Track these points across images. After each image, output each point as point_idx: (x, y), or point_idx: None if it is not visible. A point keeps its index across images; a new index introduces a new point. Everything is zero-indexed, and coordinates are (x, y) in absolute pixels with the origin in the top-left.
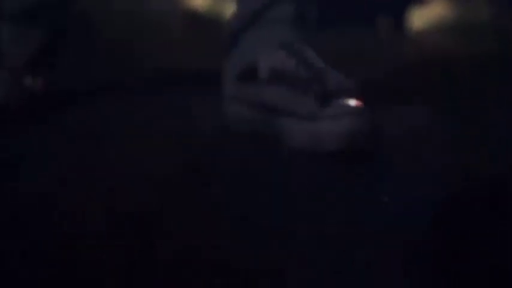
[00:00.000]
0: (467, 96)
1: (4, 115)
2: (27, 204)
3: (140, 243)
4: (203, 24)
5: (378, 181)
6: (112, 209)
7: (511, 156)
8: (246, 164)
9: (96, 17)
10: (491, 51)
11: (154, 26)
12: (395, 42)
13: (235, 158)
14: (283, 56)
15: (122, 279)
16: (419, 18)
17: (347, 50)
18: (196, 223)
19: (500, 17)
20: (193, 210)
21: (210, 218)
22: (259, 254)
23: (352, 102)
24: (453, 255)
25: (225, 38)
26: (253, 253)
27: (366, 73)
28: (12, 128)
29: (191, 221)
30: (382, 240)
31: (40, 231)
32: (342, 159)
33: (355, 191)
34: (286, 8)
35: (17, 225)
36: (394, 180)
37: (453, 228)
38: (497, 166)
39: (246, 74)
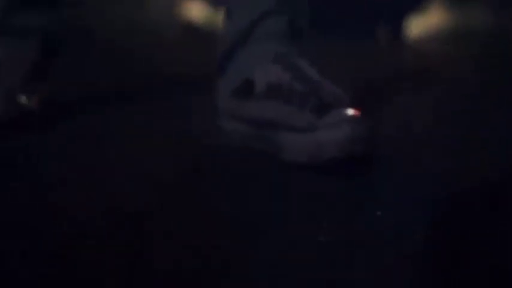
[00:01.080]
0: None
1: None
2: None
3: (140, 243)
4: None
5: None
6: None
7: (511, 157)
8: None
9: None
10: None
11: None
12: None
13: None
14: (278, 70)
15: (122, 279)
16: (417, 27)
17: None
18: (196, 223)
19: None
20: (193, 210)
21: (210, 218)
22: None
23: (350, 111)
24: (453, 256)
25: (218, 54)
26: (252, 253)
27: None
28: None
29: (191, 221)
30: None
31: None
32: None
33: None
34: (278, 21)
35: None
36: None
37: (453, 228)
38: (497, 167)
39: (242, 90)
